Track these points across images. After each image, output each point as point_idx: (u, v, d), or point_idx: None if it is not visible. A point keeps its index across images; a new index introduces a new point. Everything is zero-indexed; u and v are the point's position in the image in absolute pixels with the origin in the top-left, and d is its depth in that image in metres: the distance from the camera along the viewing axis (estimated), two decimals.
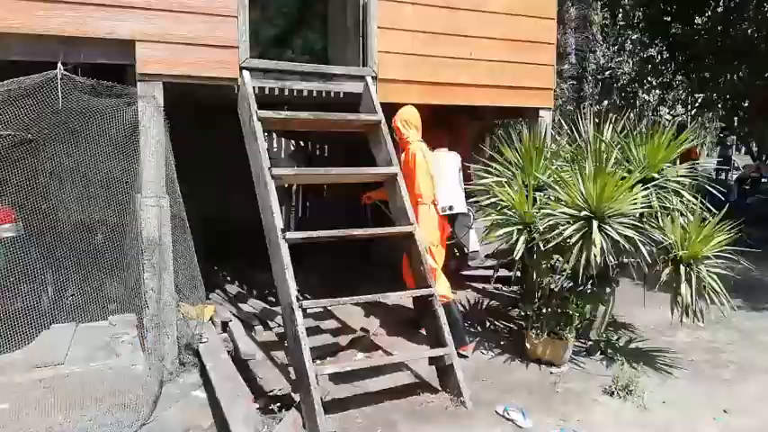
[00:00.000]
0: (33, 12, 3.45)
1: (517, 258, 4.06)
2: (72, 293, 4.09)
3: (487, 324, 4.98)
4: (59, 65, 3.55)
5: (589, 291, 4.33)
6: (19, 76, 3.48)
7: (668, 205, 4.10)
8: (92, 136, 3.71)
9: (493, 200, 4.37)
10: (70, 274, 3.98)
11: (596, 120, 4.57)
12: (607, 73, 11.33)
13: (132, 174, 3.86)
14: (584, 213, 3.87)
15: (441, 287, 4.16)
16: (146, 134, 3.74)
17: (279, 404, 3.40)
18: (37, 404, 3.27)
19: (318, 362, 3.75)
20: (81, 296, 4.05)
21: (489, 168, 4.61)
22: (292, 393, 3.57)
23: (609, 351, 4.36)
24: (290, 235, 3.58)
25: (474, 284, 6.01)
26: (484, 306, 5.42)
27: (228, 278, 5.91)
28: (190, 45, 3.82)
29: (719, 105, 10.44)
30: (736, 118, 10.57)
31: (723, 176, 15.41)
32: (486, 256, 6.40)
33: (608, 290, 4.42)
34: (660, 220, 4.04)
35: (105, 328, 4.21)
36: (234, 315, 4.74)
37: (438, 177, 4.33)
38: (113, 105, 3.73)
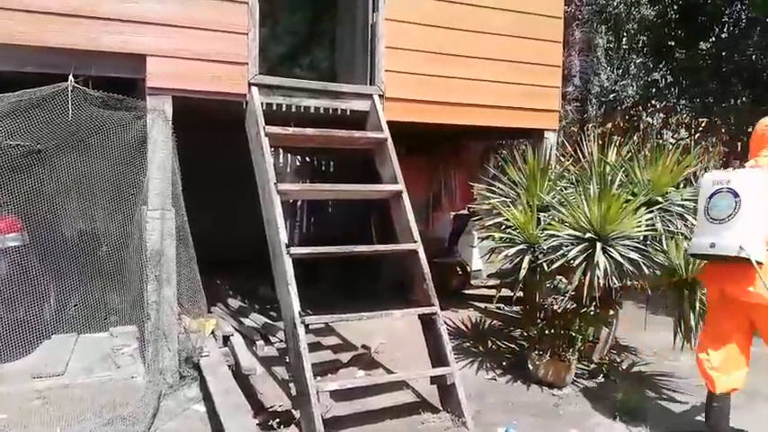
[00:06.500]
0: (47, 25, 3.51)
1: (521, 279, 4.06)
2: (75, 304, 4.09)
3: (489, 344, 4.95)
4: (71, 77, 3.59)
5: (592, 313, 4.31)
6: (27, 88, 3.53)
7: (673, 229, 4.11)
8: (100, 148, 3.75)
9: (498, 220, 4.37)
10: (73, 285, 4.00)
11: (600, 141, 4.59)
12: (611, 96, 11.37)
13: (138, 186, 3.89)
14: (588, 235, 3.87)
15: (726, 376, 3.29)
16: (153, 147, 3.77)
17: (278, 420, 3.38)
18: (36, 415, 3.26)
19: (319, 378, 3.73)
20: (83, 307, 4.06)
21: (493, 188, 4.63)
22: (292, 409, 3.54)
23: (612, 374, 4.33)
24: (294, 250, 3.59)
25: (476, 303, 5.99)
26: (486, 326, 5.39)
27: (230, 292, 5.91)
28: (200, 60, 3.87)
29: (723, 130, 10.46)
30: (739, 143, 10.59)
31: None
32: (489, 276, 6.42)
33: (611, 312, 4.40)
34: (664, 244, 4.04)
35: (106, 340, 4.20)
36: (235, 329, 4.73)
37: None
38: (122, 118, 3.77)
